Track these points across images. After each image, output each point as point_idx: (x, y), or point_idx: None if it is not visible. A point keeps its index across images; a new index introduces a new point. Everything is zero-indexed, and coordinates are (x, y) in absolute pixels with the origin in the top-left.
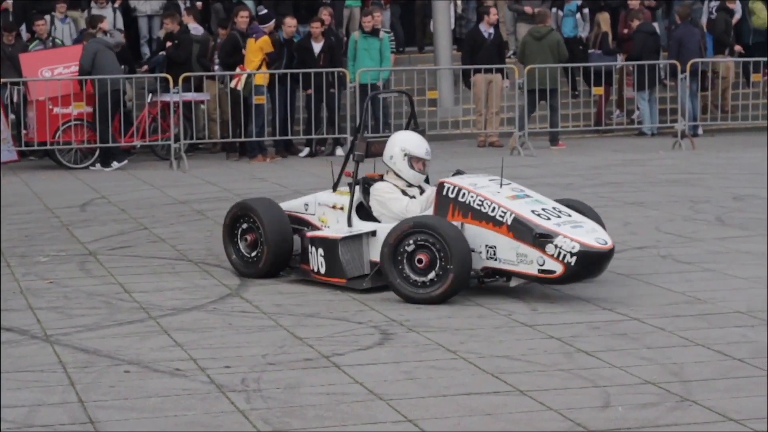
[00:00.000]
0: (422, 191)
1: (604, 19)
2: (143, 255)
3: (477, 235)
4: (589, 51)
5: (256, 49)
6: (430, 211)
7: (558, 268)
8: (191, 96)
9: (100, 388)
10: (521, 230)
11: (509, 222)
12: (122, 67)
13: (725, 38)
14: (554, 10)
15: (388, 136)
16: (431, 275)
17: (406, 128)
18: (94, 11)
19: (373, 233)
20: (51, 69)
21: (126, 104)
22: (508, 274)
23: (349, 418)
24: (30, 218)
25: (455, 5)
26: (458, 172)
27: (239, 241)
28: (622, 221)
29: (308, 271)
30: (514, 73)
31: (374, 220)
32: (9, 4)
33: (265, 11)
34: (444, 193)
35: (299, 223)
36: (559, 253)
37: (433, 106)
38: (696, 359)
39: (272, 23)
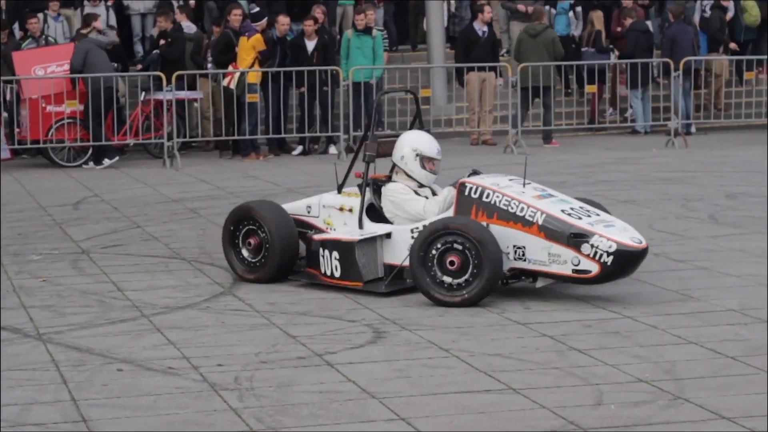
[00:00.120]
0: (433, 192)
1: (597, 17)
2: (136, 253)
3: (504, 235)
4: (583, 49)
5: (249, 47)
6: (449, 212)
7: (594, 268)
8: (184, 94)
9: (92, 386)
10: (554, 230)
11: (540, 222)
12: (116, 65)
13: (720, 36)
14: (547, 8)
15: (397, 136)
16: (464, 278)
17: (411, 127)
18: (87, 9)
19: (388, 235)
20: (44, 67)
21: (119, 100)
22: (539, 275)
23: (342, 416)
24: (23, 216)
25: (448, 3)
26: (474, 172)
27: (241, 245)
28: None
29: (316, 275)
30: (507, 72)
31: (385, 221)
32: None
33: (257, 9)
34: (466, 193)
35: (301, 226)
36: (596, 252)
37: (426, 104)
38: (689, 357)
39: (264, 21)
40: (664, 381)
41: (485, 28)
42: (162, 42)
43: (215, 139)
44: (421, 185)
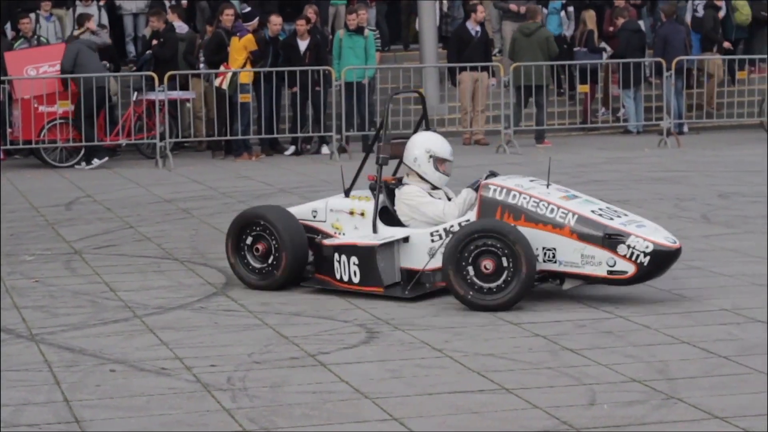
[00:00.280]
0: (446, 195)
1: (589, 16)
2: (129, 254)
3: (533, 237)
4: (575, 49)
5: (240, 47)
6: (472, 214)
7: (630, 269)
8: (177, 94)
9: (85, 387)
10: (587, 231)
11: (572, 223)
12: (108, 65)
13: (714, 35)
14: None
15: (407, 138)
16: (499, 281)
17: (417, 129)
18: (79, 9)
19: (406, 239)
20: (36, 67)
21: (111, 99)
22: (570, 277)
23: (335, 416)
24: (15, 217)
25: (441, 3)
26: (492, 174)
27: (246, 252)
28: None
29: (329, 281)
30: (500, 71)
31: (397, 224)
32: None
33: (249, 9)
34: (490, 194)
35: (307, 231)
36: (632, 253)
37: (418, 104)
38: (681, 357)
39: (256, 21)
40: (657, 380)
41: (478, 28)
42: (154, 42)
43: (207, 139)
44: (435, 187)
